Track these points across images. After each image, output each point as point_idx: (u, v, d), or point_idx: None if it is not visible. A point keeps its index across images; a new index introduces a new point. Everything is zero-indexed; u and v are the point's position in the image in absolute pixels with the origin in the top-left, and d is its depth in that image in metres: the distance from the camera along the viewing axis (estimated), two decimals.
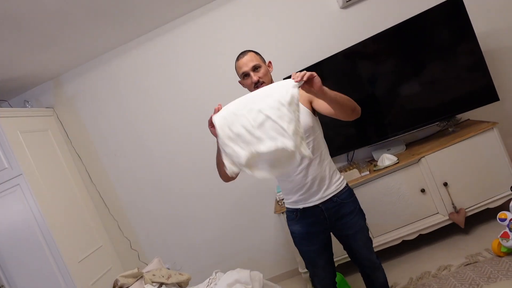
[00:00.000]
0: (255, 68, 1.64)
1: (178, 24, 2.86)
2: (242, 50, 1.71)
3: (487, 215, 2.46)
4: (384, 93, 2.60)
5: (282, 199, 2.55)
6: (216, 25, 2.83)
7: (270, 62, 1.75)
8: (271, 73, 1.72)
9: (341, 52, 2.56)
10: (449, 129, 2.58)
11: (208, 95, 2.90)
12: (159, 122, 2.99)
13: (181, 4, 2.67)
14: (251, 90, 1.67)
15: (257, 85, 1.64)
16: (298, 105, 1.37)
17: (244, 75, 1.66)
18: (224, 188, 2.91)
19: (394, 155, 2.53)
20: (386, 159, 2.49)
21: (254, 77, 1.63)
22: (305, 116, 1.63)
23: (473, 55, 2.36)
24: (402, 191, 2.45)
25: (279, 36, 2.80)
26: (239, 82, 1.74)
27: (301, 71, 1.41)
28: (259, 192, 2.91)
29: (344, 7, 2.73)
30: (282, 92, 1.36)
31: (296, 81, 1.36)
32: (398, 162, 2.43)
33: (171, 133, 2.98)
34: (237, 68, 1.69)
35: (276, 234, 2.95)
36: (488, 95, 2.38)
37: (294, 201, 1.70)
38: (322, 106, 1.60)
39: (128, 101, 2.99)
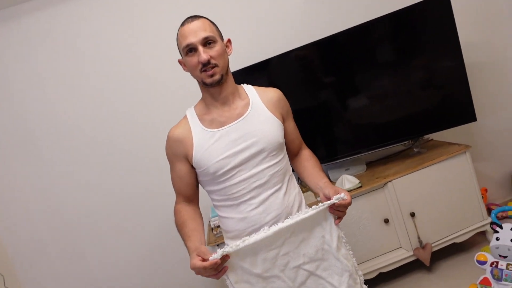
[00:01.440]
0: (207, 42, 1.08)
1: None
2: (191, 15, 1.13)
3: (451, 251, 2.17)
4: (343, 102, 2.20)
5: (218, 226, 1.99)
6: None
7: (229, 41, 1.19)
8: (230, 58, 1.17)
9: (293, 51, 2.10)
10: (414, 149, 2.26)
11: (134, 81, 2.24)
12: (54, 118, 2.23)
13: None
14: (195, 75, 1.11)
15: (205, 68, 1.07)
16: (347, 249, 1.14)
17: (189, 50, 1.09)
18: (142, 211, 2.26)
19: (354, 176, 2.12)
20: (347, 181, 2.07)
21: (204, 55, 1.06)
22: (276, 129, 1.15)
23: (454, 65, 2.05)
24: (364, 220, 2.05)
25: (227, 20, 2.26)
26: (179, 61, 1.17)
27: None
28: None
29: None
30: (323, 234, 1.09)
31: (336, 223, 1.10)
32: (361, 186, 2.03)
33: (71, 133, 2.24)
34: (179, 38, 1.12)
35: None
36: (465, 114, 2.08)
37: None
38: (290, 135, 1.25)
39: (20, 89, 2.19)
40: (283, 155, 1.19)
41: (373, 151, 2.21)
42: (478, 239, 2.20)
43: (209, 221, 2.14)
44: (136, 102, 2.26)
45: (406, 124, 2.16)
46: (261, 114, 1.16)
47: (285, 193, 1.14)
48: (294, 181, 1.23)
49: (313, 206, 1.05)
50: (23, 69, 2.18)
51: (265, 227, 1.02)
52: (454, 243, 2.09)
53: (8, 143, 2.22)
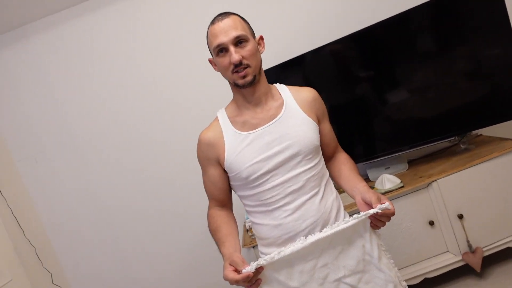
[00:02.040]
0: (239, 41, 1.04)
1: None
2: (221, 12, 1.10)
3: (505, 255, 2.00)
4: (382, 97, 2.09)
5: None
6: None
7: (261, 38, 1.14)
8: (262, 56, 1.12)
9: (328, 45, 2.01)
10: (461, 146, 2.11)
11: (172, 84, 2.26)
12: (97, 118, 2.29)
13: None
14: (226, 76, 1.07)
15: (237, 69, 1.03)
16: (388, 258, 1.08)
17: (220, 50, 1.04)
18: (184, 212, 2.27)
19: (395, 176, 2.01)
20: (387, 181, 1.96)
21: (235, 55, 1.02)
22: (312, 131, 1.09)
23: (504, 52, 1.88)
24: (406, 223, 1.93)
25: (258, 17, 2.21)
26: (209, 60, 1.13)
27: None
28: None
29: None
30: (363, 243, 1.02)
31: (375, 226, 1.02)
32: (403, 186, 1.91)
33: (113, 132, 2.30)
34: (209, 37, 1.07)
35: None
36: None
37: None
38: (325, 137, 1.18)
39: (57, 89, 2.28)
40: (319, 159, 1.13)
41: (415, 148, 2.08)
42: None
43: (244, 222, 2.12)
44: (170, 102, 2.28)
45: (452, 119, 2.01)
46: (295, 115, 1.10)
47: (322, 198, 1.08)
48: (332, 186, 1.16)
49: (354, 215, 0.98)
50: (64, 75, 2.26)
51: (302, 237, 0.97)
52: (508, 248, 1.93)
53: (51, 144, 2.31)
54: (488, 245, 1.91)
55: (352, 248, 0.99)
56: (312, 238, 0.95)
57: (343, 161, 1.21)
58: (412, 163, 2.20)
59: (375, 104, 2.10)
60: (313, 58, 2.04)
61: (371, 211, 0.95)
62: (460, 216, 1.89)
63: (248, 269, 0.88)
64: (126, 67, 2.25)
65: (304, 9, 2.22)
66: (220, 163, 1.12)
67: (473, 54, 1.95)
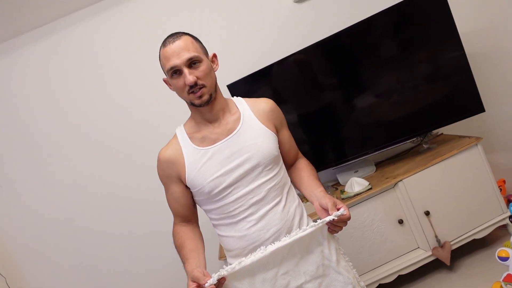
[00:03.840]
0: (192, 62, 1.05)
1: (96, 11, 2.19)
2: (172, 32, 1.11)
3: (472, 248, 2.08)
4: (348, 103, 2.16)
5: None
6: (147, 11, 2.21)
7: (214, 56, 1.16)
8: (216, 73, 1.15)
9: (293, 55, 2.07)
10: (424, 145, 2.19)
11: (140, 102, 2.27)
12: (63, 140, 2.26)
13: None
14: (182, 96, 1.09)
15: (192, 89, 1.05)
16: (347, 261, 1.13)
17: (173, 72, 1.06)
18: (158, 231, 2.26)
19: (363, 178, 2.07)
20: (356, 184, 2.02)
21: (190, 77, 1.03)
22: (270, 142, 1.12)
23: (456, 56, 1.98)
24: (377, 223, 1.99)
25: (222, 31, 2.25)
26: (164, 80, 1.15)
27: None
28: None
29: (298, 1, 2.26)
30: (322, 249, 1.07)
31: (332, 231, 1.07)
32: (371, 188, 1.97)
33: (81, 154, 2.27)
34: (162, 59, 1.09)
35: None
36: (473, 105, 2.01)
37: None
38: (285, 145, 1.22)
39: (21, 110, 2.23)
40: (280, 168, 1.16)
41: (381, 150, 2.15)
42: (500, 234, 2.11)
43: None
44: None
45: (413, 120, 2.10)
46: (253, 127, 1.13)
47: (284, 206, 1.11)
48: (294, 193, 1.19)
49: (311, 224, 1.02)
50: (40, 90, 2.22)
51: (262, 247, 0.99)
52: (474, 240, 2.01)
53: (17, 169, 2.26)
54: (455, 239, 1.98)
55: (311, 254, 1.03)
56: (271, 248, 0.97)
57: (303, 167, 1.25)
58: (379, 165, 2.27)
59: (343, 110, 2.17)
60: (279, 68, 2.09)
61: (327, 219, 0.99)
62: (427, 213, 1.96)
63: (210, 281, 0.89)
64: (93, 89, 2.24)
65: (268, 21, 2.27)
66: (181, 180, 1.13)
67: (429, 58, 2.05)
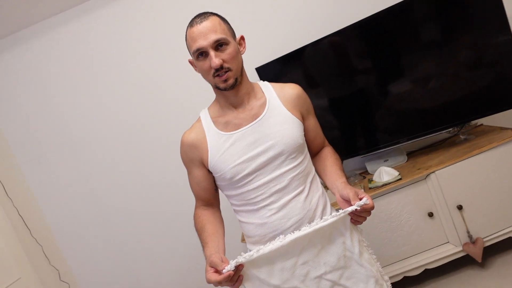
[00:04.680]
0: (219, 45, 1.02)
1: None
2: (200, 12, 1.08)
3: (507, 246, 1.98)
4: (381, 89, 2.06)
5: None
6: None
7: (242, 38, 1.12)
8: (244, 55, 1.11)
9: (328, 36, 1.99)
10: (461, 136, 2.08)
11: (166, 83, 2.28)
12: (96, 119, 2.33)
13: None
14: (207, 79, 1.07)
15: (218, 73, 1.02)
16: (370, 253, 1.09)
17: (199, 54, 1.03)
18: (184, 212, 2.29)
19: (393, 168, 2.00)
20: (385, 173, 1.95)
21: (216, 59, 1.00)
22: (295, 130, 1.08)
23: (502, 41, 1.83)
24: (405, 215, 1.92)
25: (254, 11, 2.20)
26: (190, 62, 1.12)
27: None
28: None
29: None
30: (343, 240, 1.03)
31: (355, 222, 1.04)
32: (401, 179, 1.90)
33: (114, 131, 2.33)
34: (188, 40, 1.06)
35: None
36: None
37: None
38: (311, 133, 1.18)
39: (57, 92, 2.31)
40: (304, 156, 1.13)
41: (414, 140, 2.06)
42: None
43: None
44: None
45: (452, 109, 1.98)
46: (278, 114, 1.10)
47: (307, 196, 1.08)
48: (318, 182, 1.16)
49: (333, 213, 0.99)
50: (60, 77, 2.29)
51: (281, 236, 0.98)
52: (509, 238, 1.90)
53: (53, 145, 2.36)
54: (488, 236, 1.89)
55: (333, 245, 1.00)
56: (290, 237, 0.95)
57: (327, 155, 1.21)
58: (411, 155, 2.18)
59: (376, 96, 2.08)
60: (313, 50, 2.02)
61: (349, 209, 0.96)
62: (460, 207, 1.87)
63: (228, 267, 0.89)
64: (122, 68, 2.27)
65: (302, 0, 2.19)
66: (204, 164, 1.13)
67: (472, 43, 1.91)
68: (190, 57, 1.11)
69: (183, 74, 2.21)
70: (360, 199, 0.97)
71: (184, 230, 2.35)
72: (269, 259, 0.96)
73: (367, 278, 1.02)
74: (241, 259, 0.92)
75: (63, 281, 2.44)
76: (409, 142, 2.07)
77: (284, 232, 1.05)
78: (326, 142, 1.26)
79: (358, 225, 1.06)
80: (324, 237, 0.99)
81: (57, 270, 2.43)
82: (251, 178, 1.07)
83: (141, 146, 2.33)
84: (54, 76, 2.30)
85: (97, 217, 2.41)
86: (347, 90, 2.10)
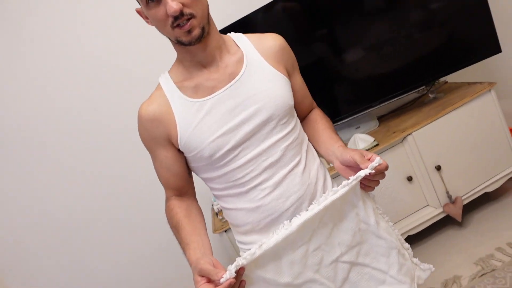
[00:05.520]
0: None
1: None
2: None
3: (483, 201, 1.97)
4: (344, 53, 1.92)
5: (221, 210, 1.76)
6: None
7: None
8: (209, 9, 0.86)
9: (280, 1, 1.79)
10: (430, 95, 2.01)
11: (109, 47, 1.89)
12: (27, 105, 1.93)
13: None
14: (164, 32, 0.81)
15: (178, 22, 0.77)
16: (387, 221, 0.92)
17: None
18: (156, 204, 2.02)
19: (367, 134, 1.88)
20: (360, 140, 1.83)
21: (173, 3, 0.74)
22: (284, 88, 0.87)
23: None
24: (384, 182, 1.82)
25: None
26: (138, 11, 0.85)
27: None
28: None
29: None
30: (357, 211, 0.85)
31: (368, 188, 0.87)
32: (378, 144, 1.79)
33: (48, 122, 1.95)
34: None
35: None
36: (487, 46, 1.81)
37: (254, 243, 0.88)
38: (298, 93, 0.97)
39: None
40: (296, 121, 0.92)
41: (385, 103, 1.95)
42: (508, 186, 1.99)
43: (212, 205, 1.92)
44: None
45: (417, 69, 1.89)
46: (261, 70, 0.87)
47: (305, 168, 0.88)
48: (313, 151, 0.96)
49: (344, 183, 0.81)
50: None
51: (286, 222, 0.78)
52: (485, 193, 1.89)
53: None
54: (466, 193, 1.86)
55: (345, 221, 0.83)
56: (298, 220, 0.76)
57: (316, 118, 1.01)
58: (382, 119, 2.08)
59: (335, 63, 1.93)
60: (263, 17, 1.81)
61: (362, 173, 0.78)
62: (438, 168, 1.80)
63: (227, 275, 0.67)
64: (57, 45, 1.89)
65: None
66: (172, 142, 0.88)
67: (424, 3, 1.82)
68: (138, 6, 0.84)
69: (126, 32, 1.86)
70: (369, 160, 0.80)
71: (146, 232, 2.07)
72: (274, 254, 0.76)
73: (388, 251, 0.86)
74: (241, 261, 0.70)
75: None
76: (381, 105, 1.96)
77: (282, 215, 0.85)
78: (314, 103, 1.07)
79: (370, 192, 0.89)
80: (334, 213, 0.81)
81: None
82: (236, 153, 0.84)
83: (84, 138, 1.97)
84: None
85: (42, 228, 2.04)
86: (303, 59, 1.92)
